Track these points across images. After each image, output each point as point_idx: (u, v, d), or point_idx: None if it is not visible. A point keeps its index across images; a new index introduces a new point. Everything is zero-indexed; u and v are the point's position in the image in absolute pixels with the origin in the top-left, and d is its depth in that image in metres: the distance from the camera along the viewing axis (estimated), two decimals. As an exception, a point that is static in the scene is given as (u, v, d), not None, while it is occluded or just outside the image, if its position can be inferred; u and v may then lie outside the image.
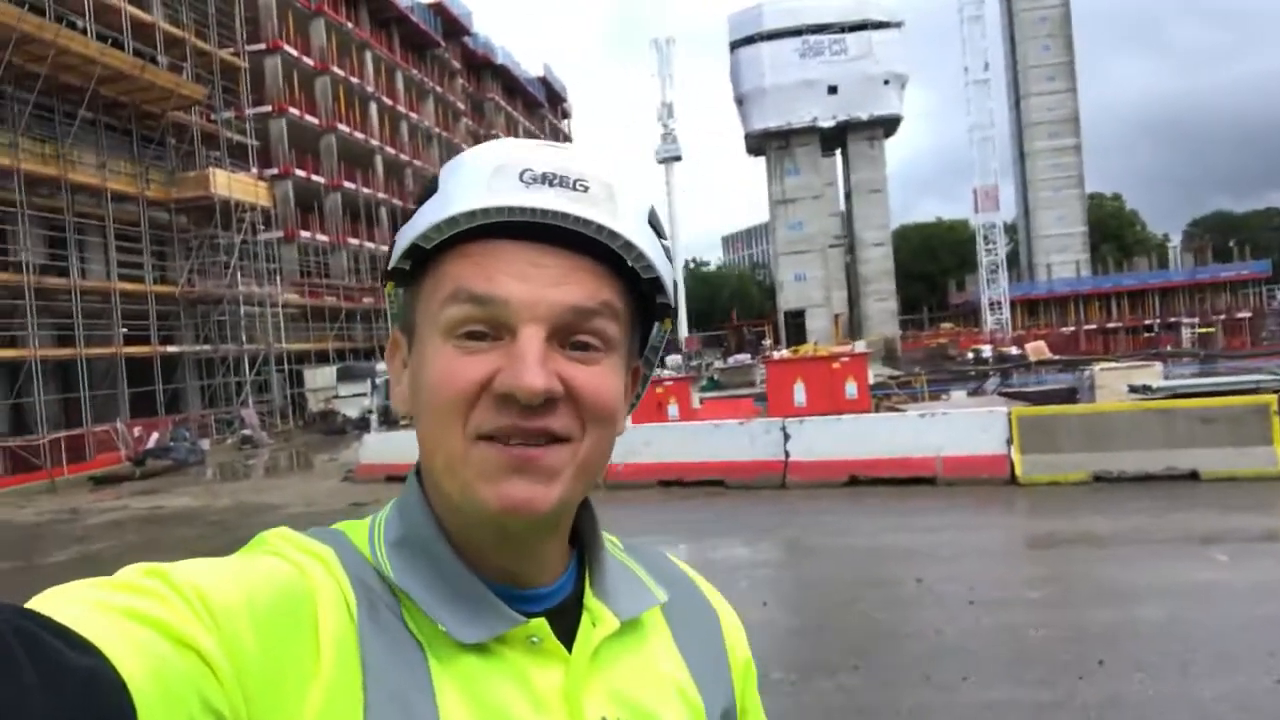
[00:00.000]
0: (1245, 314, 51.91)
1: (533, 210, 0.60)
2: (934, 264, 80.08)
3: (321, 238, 37.67)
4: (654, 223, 0.67)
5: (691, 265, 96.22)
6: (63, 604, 0.49)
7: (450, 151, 50.69)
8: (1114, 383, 14.25)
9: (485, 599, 0.63)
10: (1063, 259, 62.23)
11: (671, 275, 0.68)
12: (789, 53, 61.20)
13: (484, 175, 0.62)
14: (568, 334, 0.62)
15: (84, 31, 23.63)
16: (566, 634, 0.66)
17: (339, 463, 19.28)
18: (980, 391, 20.78)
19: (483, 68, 59.76)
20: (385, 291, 0.69)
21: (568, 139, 78.21)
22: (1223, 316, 50.67)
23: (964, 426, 11.23)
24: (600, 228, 0.61)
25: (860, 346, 29.09)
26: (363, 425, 24.35)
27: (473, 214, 0.60)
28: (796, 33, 61.36)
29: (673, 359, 44.74)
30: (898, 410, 15.30)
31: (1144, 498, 9.35)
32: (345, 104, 39.79)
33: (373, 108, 42.21)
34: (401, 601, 0.62)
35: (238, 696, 0.52)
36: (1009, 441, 10.73)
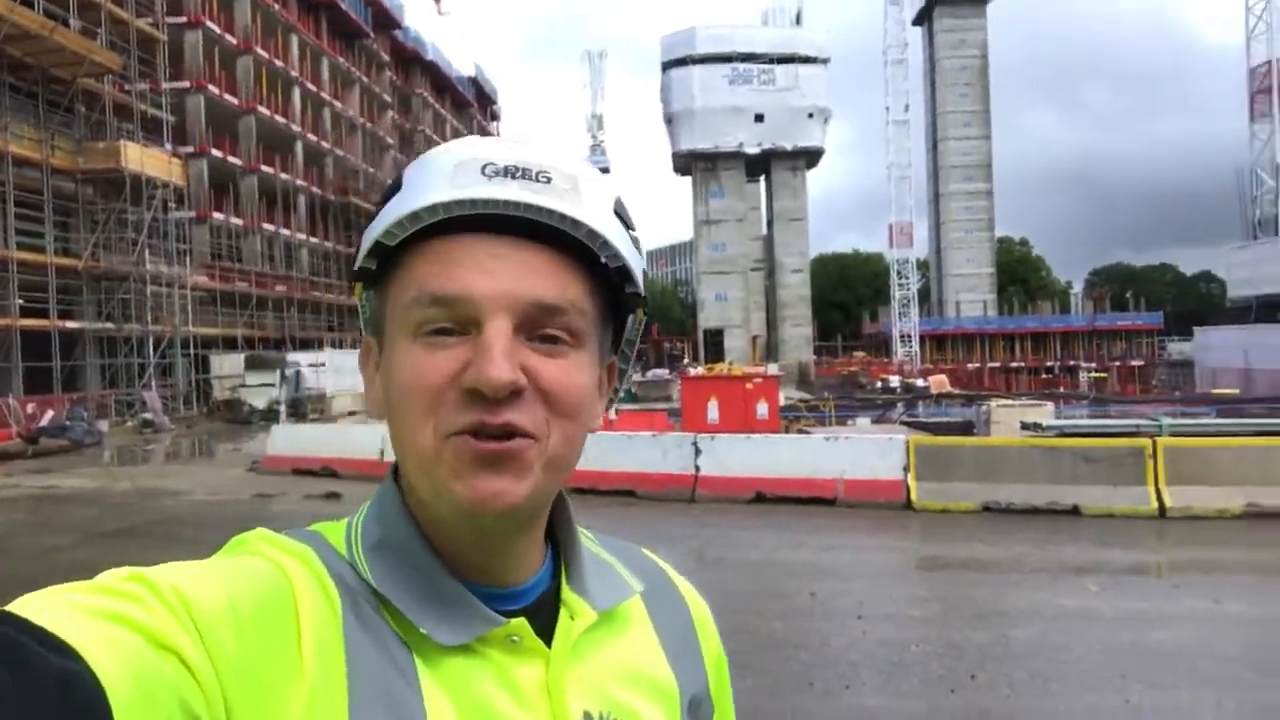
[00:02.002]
0: (1138, 362, 54.64)
1: (494, 201, 0.60)
2: (849, 294, 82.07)
3: (236, 221, 36.68)
4: (621, 213, 0.66)
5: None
6: (40, 607, 0.49)
7: (374, 143, 49.99)
8: (1008, 419, 14.92)
9: (464, 601, 0.63)
10: (971, 298, 64.56)
11: (641, 265, 0.67)
12: (719, 78, 62.17)
13: (446, 171, 0.62)
14: (534, 327, 0.61)
15: (-5, -13, 22.69)
16: (546, 629, 0.66)
17: (243, 453, 18.82)
18: (885, 419, 21.48)
19: (412, 62, 59.09)
20: (355, 294, 0.69)
21: (497, 142, 77.65)
22: (1118, 363, 53.27)
23: (865, 452, 11.64)
24: (563, 217, 0.61)
25: (773, 369, 29.71)
26: (269, 416, 23.81)
27: (434, 208, 0.60)
28: (727, 59, 62.39)
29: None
30: (805, 433, 15.74)
31: (1028, 529, 9.86)
32: (267, 86, 38.90)
33: (296, 92, 41.36)
34: (381, 603, 0.62)
35: (218, 699, 0.51)
36: (906, 469, 11.18)
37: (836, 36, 71.10)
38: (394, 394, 0.62)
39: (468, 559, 0.65)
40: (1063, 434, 13.02)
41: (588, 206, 0.63)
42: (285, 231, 39.99)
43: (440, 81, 63.79)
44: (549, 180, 0.62)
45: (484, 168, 0.61)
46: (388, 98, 53.64)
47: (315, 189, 42.69)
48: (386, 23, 52.85)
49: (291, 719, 0.54)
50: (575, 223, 0.62)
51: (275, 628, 0.56)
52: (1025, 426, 14.15)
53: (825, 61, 63.90)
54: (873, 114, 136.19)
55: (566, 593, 0.69)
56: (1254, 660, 5.81)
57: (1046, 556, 8.69)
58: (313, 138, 42.86)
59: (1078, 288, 73.46)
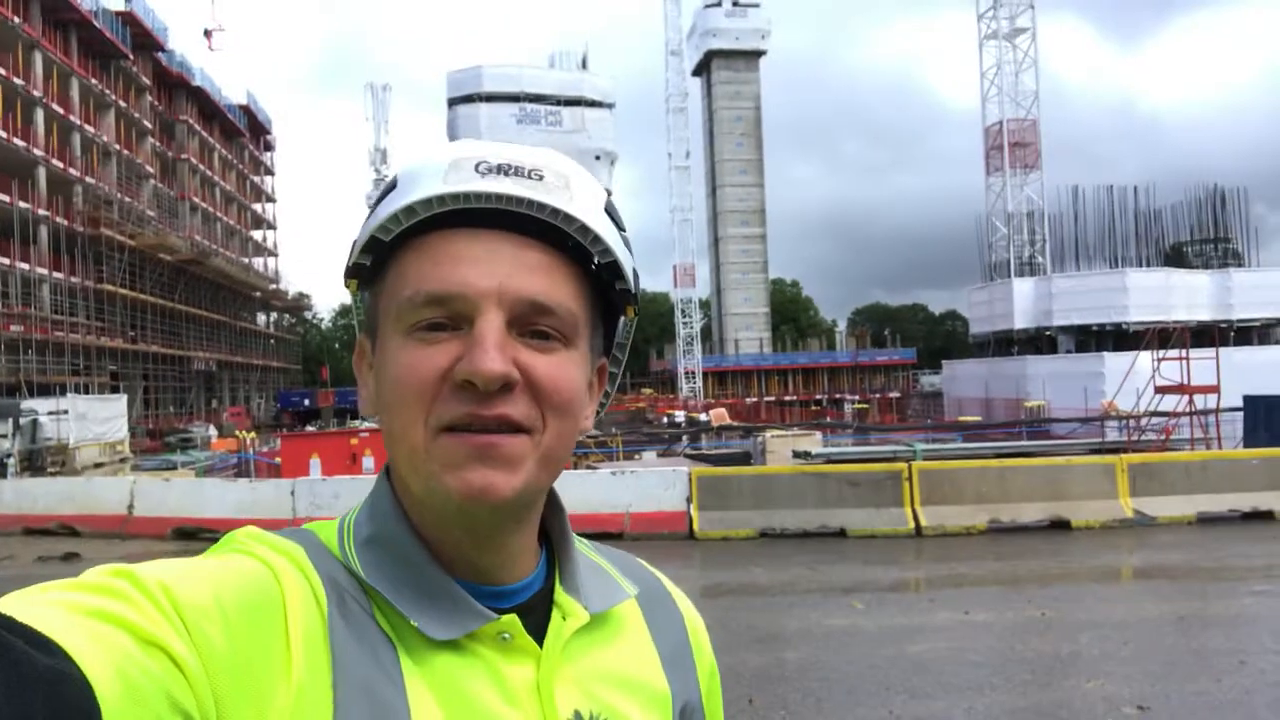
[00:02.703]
0: (895, 393, 59.27)
1: (487, 195, 0.61)
2: (638, 333, 78.66)
3: (-39, 253, 32.62)
4: (612, 213, 0.67)
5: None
6: (27, 605, 0.49)
7: (132, 171, 46.17)
8: (781, 448, 15.69)
9: (456, 596, 0.63)
10: (748, 336, 67.89)
11: (631, 263, 0.68)
12: (506, 116, 62.47)
13: (440, 168, 0.62)
14: (526, 323, 0.62)
15: None
16: (538, 629, 0.66)
17: (-40, 514, 16.50)
18: (670, 453, 22.00)
19: (177, 87, 55.22)
20: (349, 291, 0.68)
21: (269, 172, 73.97)
22: (878, 395, 57.46)
23: (650, 485, 11.83)
24: (555, 211, 0.62)
25: (561, 406, 29.71)
26: (-3, 470, 21.08)
27: (428, 201, 0.61)
28: (514, 99, 62.87)
29: (372, 411, 43.18)
30: (593, 468, 15.81)
31: (801, 552, 10.33)
32: (4, 106, 35.08)
33: (39, 114, 37.54)
34: (373, 599, 0.62)
35: (206, 695, 0.51)
36: (689, 499, 11.45)
37: (622, 82, 73.46)
38: (386, 390, 0.63)
39: (460, 555, 0.65)
40: (830, 461, 13.83)
41: (579, 204, 0.64)
42: (23, 265, 35.96)
43: (208, 108, 59.93)
44: (541, 178, 0.63)
45: (478, 165, 0.62)
46: (148, 123, 49.73)
47: (60, 219, 38.73)
48: (148, 44, 49.09)
49: (279, 714, 0.54)
50: (568, 217, 0.62)
51: (263, 624, 0.56)
52: (797, 455, 14.93)
53: (611, 106, 65.71)
54: (655, 158, 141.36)
55: (559, 594, 0.69)
56: (999, 665, 6.30)
57: (818, 578, 9.11)
58: (59, 164, 38.92)
59: (842, 326, 79.07)
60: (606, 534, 11.21)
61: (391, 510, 0.66)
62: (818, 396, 59.57)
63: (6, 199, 34.53)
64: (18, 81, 35.77)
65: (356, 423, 31.45)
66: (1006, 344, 40.77)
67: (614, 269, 0.66)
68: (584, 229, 0.63)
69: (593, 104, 64.63)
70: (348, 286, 0.68)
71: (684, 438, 26.36)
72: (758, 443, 17.34)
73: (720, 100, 69.52)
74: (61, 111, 39.40)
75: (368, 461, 15.83)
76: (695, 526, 11.24)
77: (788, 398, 59.32)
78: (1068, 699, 5.58)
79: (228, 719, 0.52)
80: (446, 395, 0.60)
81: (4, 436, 23.42)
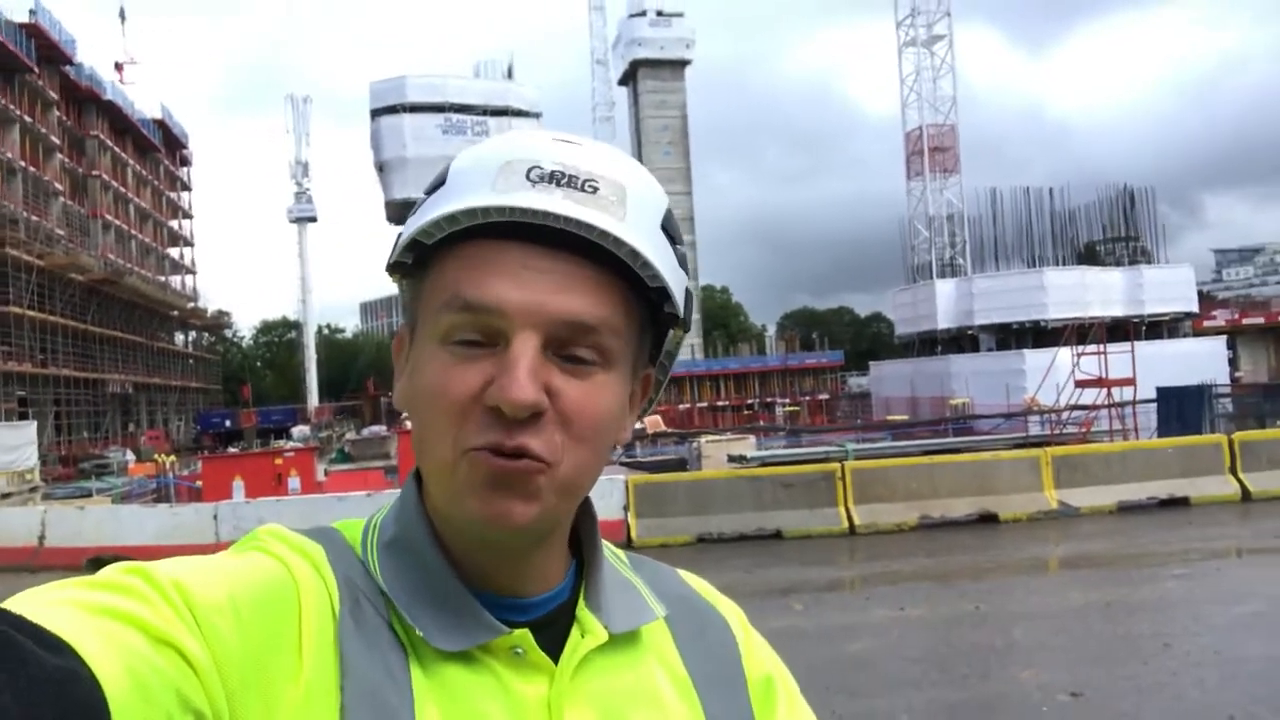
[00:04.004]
0: (825, 395, 60.14)
1: (535, 212, 0.58)
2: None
3: None
4: (668, 227, 0.64)
5: (325, 331, 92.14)
6: (38, 603, 0.49)
7: (39, 189, 44.38)
8: (717, 453, 15.75)
9: (469, 607, 0.62)
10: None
11: (683, 283, 0.65)
12: (432, 127, 61.78)
13: (491, 170, 0.60)
14: (564, 345, 0.60)
15: None
16: (556, 645, 0.64)
17: None
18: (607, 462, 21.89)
19: (86, 102, 53.31)
20: (394, 280, 0.67)
21: (186, 187, 71.91)
22: (808, 397, 58.21)
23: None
24: (605, 233, 0.58)
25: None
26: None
27: (473, 212, 0.59)
28: (439, 109, 62.23)
29: (299, 430, 42.16)
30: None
31: (738, 556, 10.34)
32: (-103, 122, 33.41)
33: (-64, 130, 35.89)
34: (389, 603, 0.61)
35: (218, 693, 0.51)
36: (626, 507, 11.38)
37: (548, 92, 73.24)
38: (419, 398, 0.63)
39: (479, 565, 0.64)
40: (764, 464, 13.92)
41: (632, 221, 0.61)
42: (-80, 288, 34.28)
43: (120, 123, 57.93)
44: (595, 190, 0.60)
45: (530, 171, 0.60)
46: (56, 139, 47.87)
47: (-41, 240, 37.03)
48: (54, 57, 47.22)
49: (288, 715, 0.54)
50: (617, 240, 0.59)
51: (276, 624, 0.56)
52: (732, 459, 14.99)
53: (538, 115, 65.47)
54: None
55: (581, 610, 0.67)
56: (936, 659, 6.37)
57: (755, 581, 9.12)
58: (-44, 181, 37.26)
59: (771, 330, 79.92)
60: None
61: (417, 514, 0.65)
62: (750, 401, 60.10)
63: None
64: (-90, 96, 34.11)
65: (280, 442, 30.66)
66: (930, 344, 41.71)
67: (663, 292, 0.63)
68: (634, 253, 0.60)
69: (519, 113, 64.33)
70: (392, 278, 0.67)
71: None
72: (693, 448, 17.38)
73: (647, 109, 69.87)
74: (-41, 127, 37.69)
75: (293, 482, 15.46)
76: (633, 534, 11.17)
77: (720, 403, 59.72)
78: (1005, 689, 5.66)
79: (238, 717, 0.52)
80: (476, 417, 0.59)
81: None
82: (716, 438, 18.45)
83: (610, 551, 0.74)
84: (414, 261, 0.64)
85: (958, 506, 11.57)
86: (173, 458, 24.09)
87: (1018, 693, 5.56)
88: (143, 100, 62.22)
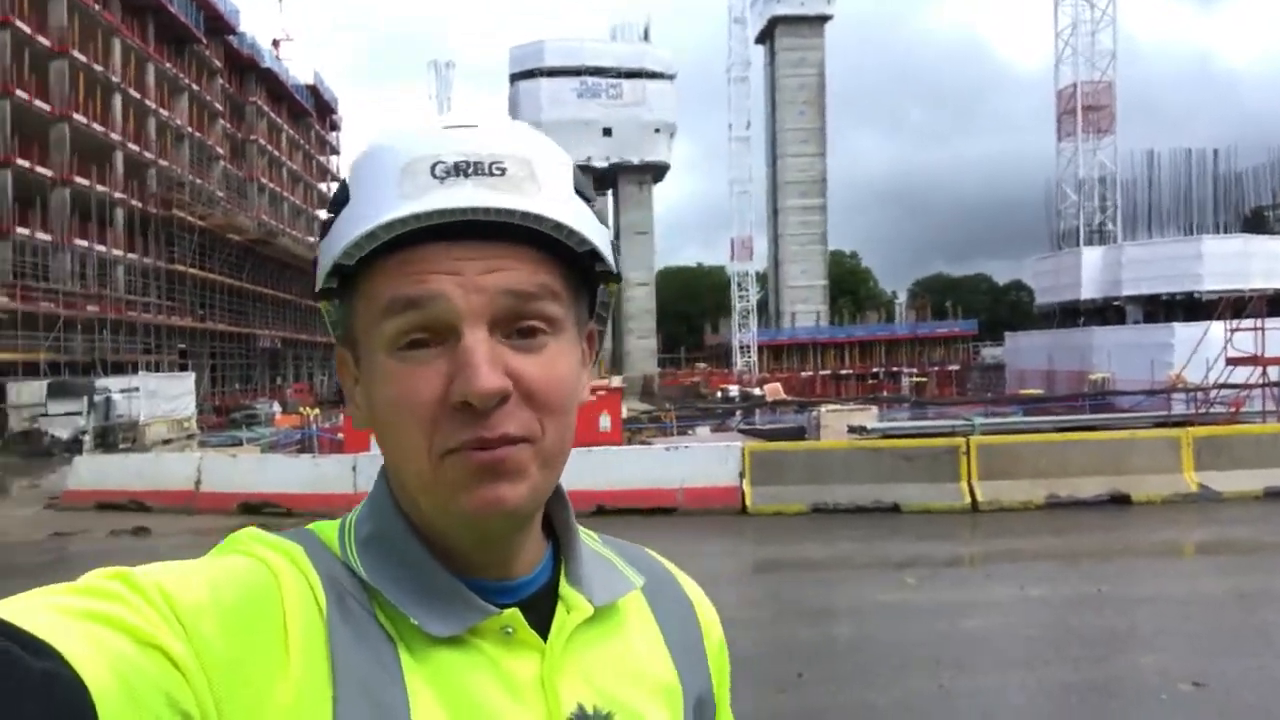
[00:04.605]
0: (955, 366, 58.29)
1: (451, 211, 0.58)
2: (693, 306, 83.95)
3: (43, 236, 33.84)
4: (579, 188, 0.64)
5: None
6: (21, 609, 0.49)
7: (203, 153, 47.36)
8: (836, 423, 15.61)
9: (457, 592, 0.63)
10: (805, 309, 67.23)
11: (607, 238, 0.65)
12: (567, 91, 62.59)
13: (393, 175, 0.59)
14: (510, 323, 0.61)
15: None
16: (543, 623, 0.65)
17: (42, 489, 17.27)
18: (724, 428, 22.02)
19: (247, 69, 56.32)
20: (321, 308, 0.67)
21: (335, 151, 75.18)
22: (937, 368, 56.61)
23: (704, 460, 11.89)
24: (526, 214, 0.59)
25: (617, 381, 29.92)
26: (74, 447, 22.02)
27: (390, 225, 0.58)
28: (576, 73, 62.90)
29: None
30: (647, 444, 15.93)
31: (853, 528, 10.31)
32: (85, 92, 36.17)
33: (117, 99, 38.65)
34: (373, 597, 0.62)
35: (206, 695, 0.51)
36: (742, 474, 11.48)
37: (683, 53, 72.67)
38: (381, 413, 0.62)
39: (462, 554, 0.65)
40: (885, 436, 13.72)
41: (547, 193, 0.61)
42: (100, 247, 37.20)
43: (277, 90, 61.06)
44: (504, 171, 0.60)
45: (434, 167, 0.59)
46: (219, 106, 50.91)
47: (135, 202, 39.95)
48: (220, 28, 50.14)
49: (278, 714, 0.54)
50: (539, 218, 0.59)
51: (261, 624, 0.56)
52: (852, 430, 14.84)
53: (672, 77, 65.33)
54: (715, 130, 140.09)
55: (564, 587, 0.68)
56: (1053, 640, 6.26)
57: (870, 553, 9.10)
58: (135, 147, 40.06)
59: (902, 298, 77.76)
60: (660, 509, 11.34)
61: (390, 509, 0.66)
62: (875, 370, 58.86)
63: (86, 183, 35.73)
64: (98, 68, 36.86)
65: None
66: (1072, 315, 39.76)
67: (593, 253, 0.64)
68: (557, 225, 0.60)
69: (654, 75, 64.33)
70: (320, 307, 0.67)
71: (738, 413, 26.34)
72: (812, 417, 17.26)
73: (783, 68, 68.42)
74: (138, 96, 40.54)
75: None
76: (748, 502, 11.28)
77: (844, 372, 58.74)
78: (1122, 674, 5.53)
79: (226, 718, 0.52)
80: (446, 419, 0.59)
81: (80, 414, 24.42)
82: (837, 407, 18.27)
83: (581, 530, 0.74)
84: (340, 282, 0.63)
85: (1088, 486, 11.16)
86: (316, 410, 25.43)
87: (1136, 678, 5.43)
88: (296, 68, 65.33)
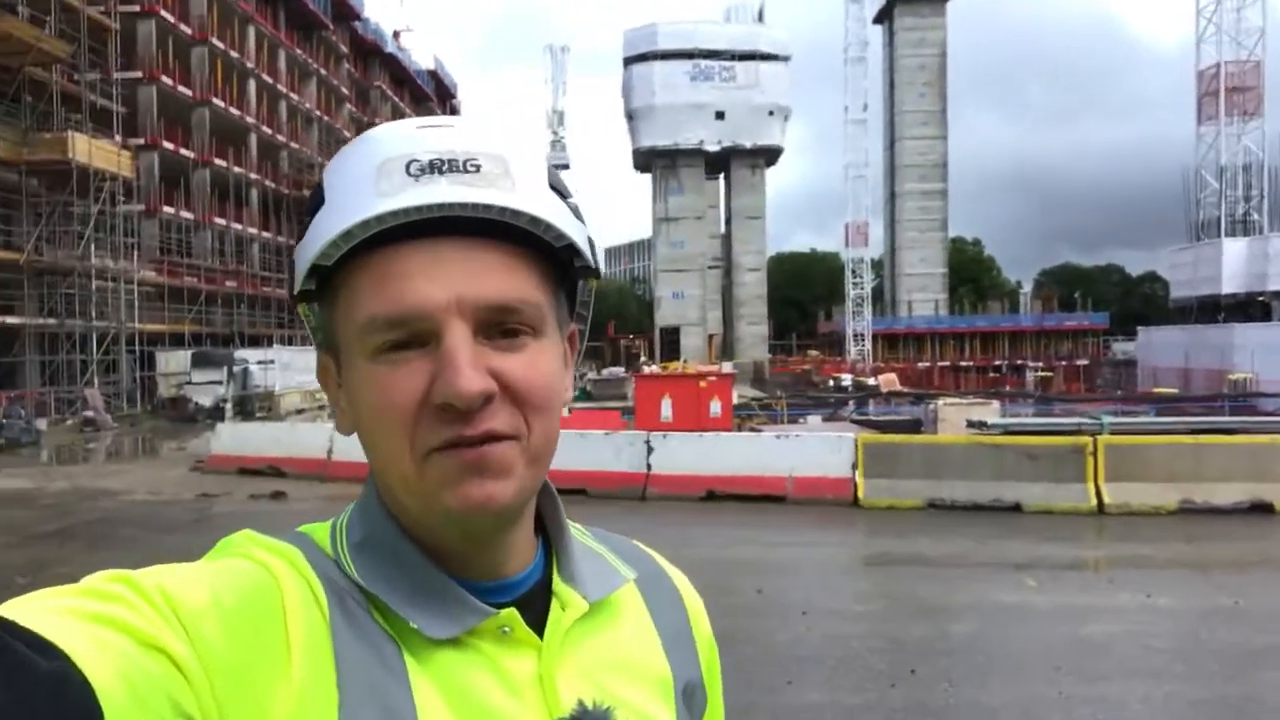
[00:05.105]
0: (1083, 361, 55.78)
1: (427, 207, 0.58)
2: (805, 292, 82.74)
3: (186, 215, 36.03)
4: (555, 184, 0.64)
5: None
6: (26, 611, 0.49)
7: (330, 137, 49.33)
8: (955, 417, 15.21)
9: (453, 594, 0.63)
10: (923, 297, 65.45)
11: (585, 233, 0.65)
12: (680, 74, 62.40)
13: (369, 176, 0.60)
14: (492, 326, 0.60)
15: (-64, -28, 22.04)
16: (538, 620, 0.66)
17: (188, 452, 18.52)
18: (836, 418, 21.73)
19: (371, 55, 58.44)
20: (300, 312, 0.67)
21: (455, 136, 76.91)
22: (1064, 362, 54.30)
23: (815, 449, 11.80)
24: (502, 209, 0.59)
25: (727, 367, 29.91)
26: (216, 414, 23.41)
27: (366, 223, 0.58)
28: (689, 55, 62.63)
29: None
30: (757, 431, 15.89)
31: (971, 525, 10.08)
32: (222, 77, 38.23)
33: (251, 84, 40.73)
34: (370, 601, 0.62)
35: (208, 697, 0.52)
36: (854, 466, 11.35)
37: (798, 35, 71.52)
38: (363, 417, 0.62)
39: (455, 555, 0.65)
40: (1007, 432, 13.31)
41: (522, 189, 0.61)
42: (237, 226, 39.36)
43: (399, 74, 63.18)
44: (478, 168, 0.60)
45: (408, 165, 0.59)
46: (345, 90, 53.02)
47: (269, 182, 42.06)
48: (346, 14, 52.22)
49: (281, 716, 0.54)
50: (515, 213, 0.60)
51: (262, 626, 0.56)
52: (971, 424, 14.44)
53: (786, 59, 64.38)
54: (829, 113, 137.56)
55: (557, 584, 0.69)
56: (1182, 652, 6.01)
57: (988, 552, 8.89)
58: (268, 130, 42.19)
59: (1027, 288, 74.70)
60: (768, 497, 11.33)
61: (382, 513, 0.66)
62: (997, 363, 56.92)
63: (224, 164, 37.77)
64: (234, 55, 38.87)
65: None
66: (1211, 309, 37.59)
67: (571, 249, 0.64)
68: (534, 220, 0.60)
69: (768, 57, 63.52)
70: (298, 309, 0.67)
71: (851, 402, 25.96)
72: (929, 410, 16.88)
73: (903, 48, 66.55)
74: (270, 81, 42.59)
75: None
76: (860, 494, 11.15)
77: (964, 363, 57.00)
78: (1256, 693, 5.29)
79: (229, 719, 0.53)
80: (428, 419, 0.59)
81: (220, 383, 25.94)
82: (956, 401, 17.78)
83: (571, 525, 0.75)
84: (318, 285, 0.63)
85: (1226, 492, 10.59)
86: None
87: (1274, 699, 5.18)
88: (416, 53, 67.27)
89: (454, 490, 0.60)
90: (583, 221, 0.66)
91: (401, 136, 0.61)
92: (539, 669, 0.64)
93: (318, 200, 0.62)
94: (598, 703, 0.65)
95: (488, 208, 0.58)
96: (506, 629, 0.63)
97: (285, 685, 0.55)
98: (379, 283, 0.59)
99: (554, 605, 0.68)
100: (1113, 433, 12.95)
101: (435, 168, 0.59)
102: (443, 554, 0.65)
